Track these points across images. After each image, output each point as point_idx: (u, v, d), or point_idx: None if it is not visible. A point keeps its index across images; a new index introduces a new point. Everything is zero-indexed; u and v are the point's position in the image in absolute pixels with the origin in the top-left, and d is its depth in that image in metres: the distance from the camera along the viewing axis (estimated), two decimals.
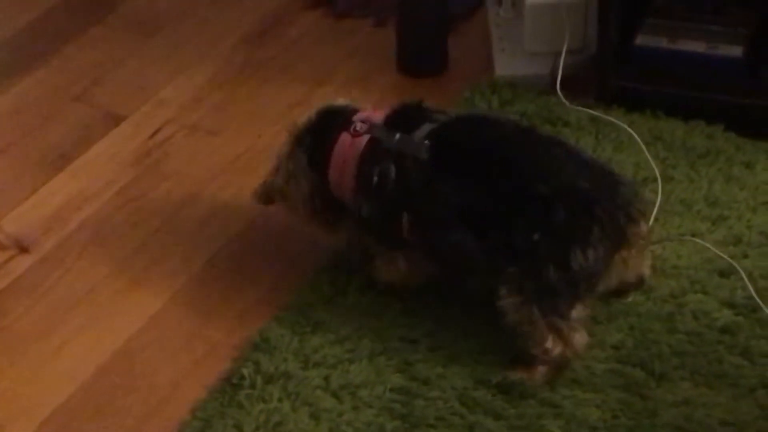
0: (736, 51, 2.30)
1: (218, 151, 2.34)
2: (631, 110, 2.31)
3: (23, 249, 2.14)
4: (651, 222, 2.00)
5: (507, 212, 1.78)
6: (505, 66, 2.43)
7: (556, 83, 2.33)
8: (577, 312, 1.80)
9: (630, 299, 1.94)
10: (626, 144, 2.24)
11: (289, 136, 1.96)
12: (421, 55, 2.50)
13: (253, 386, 1.84)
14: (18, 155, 2.36)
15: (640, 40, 2.34)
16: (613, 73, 2.32)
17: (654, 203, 2.08)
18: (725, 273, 1.98)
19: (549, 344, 1.80)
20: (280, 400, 1.82)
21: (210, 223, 2.17)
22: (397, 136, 1.84)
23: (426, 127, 1.85)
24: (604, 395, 1.81)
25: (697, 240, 2.03)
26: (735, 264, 1.98)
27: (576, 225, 1.75)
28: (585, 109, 2.30)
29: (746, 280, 1.96)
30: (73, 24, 2.70)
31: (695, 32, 2.34)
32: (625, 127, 2.25)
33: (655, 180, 2.14)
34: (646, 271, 1.94)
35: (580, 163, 1.82)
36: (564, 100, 2.32)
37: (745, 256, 2.02)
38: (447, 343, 1.90)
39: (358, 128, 1.87)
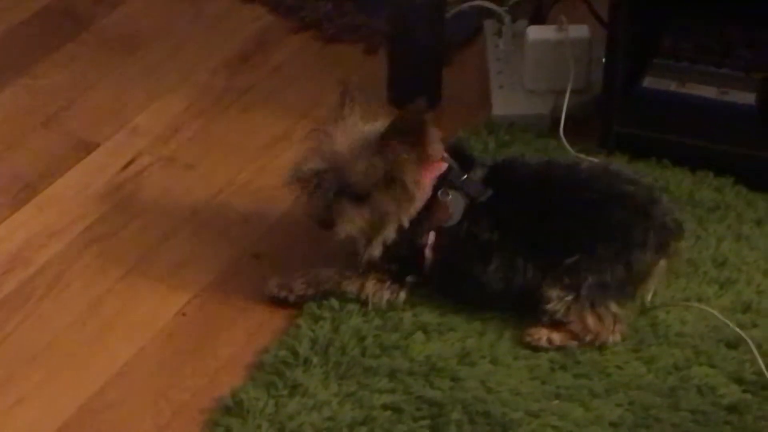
0: (748, 98, 2.22)
1: (195, 186, 2.21)
2: (635, 158, 2.21)
3: None
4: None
5: (554, 228, 1.88)
6: (504, 105, 2.33)
7: (558, 125, 2.22)
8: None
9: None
10: None
11: None
12: (413, 87, 2.35)
13: None
14: None
15: (647, 82, 2.26)
16: (618, 116, 2.23)
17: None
18: (733, 344, 1.89)
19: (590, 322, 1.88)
20: None
21: (183, 268, 2.05)
22: (465, 176, 1.92)
23: (479, 171, 1.93)
24: None
25: (704, 306, 1.93)
26: (743, 334, 1.88)
27: (634, 226, 1.86)
28: (586, 157, 2.17)
29: (756, 352, 1.86)
30: (43, 41, 2.56)
31: (706, 76, 2.26)
32: None
33: None
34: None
35: (625, 181, 1.92)
36: (566, 145, 2.20)
37: (755, 326, 1.92)
38: (434, 413, 1.78)
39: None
